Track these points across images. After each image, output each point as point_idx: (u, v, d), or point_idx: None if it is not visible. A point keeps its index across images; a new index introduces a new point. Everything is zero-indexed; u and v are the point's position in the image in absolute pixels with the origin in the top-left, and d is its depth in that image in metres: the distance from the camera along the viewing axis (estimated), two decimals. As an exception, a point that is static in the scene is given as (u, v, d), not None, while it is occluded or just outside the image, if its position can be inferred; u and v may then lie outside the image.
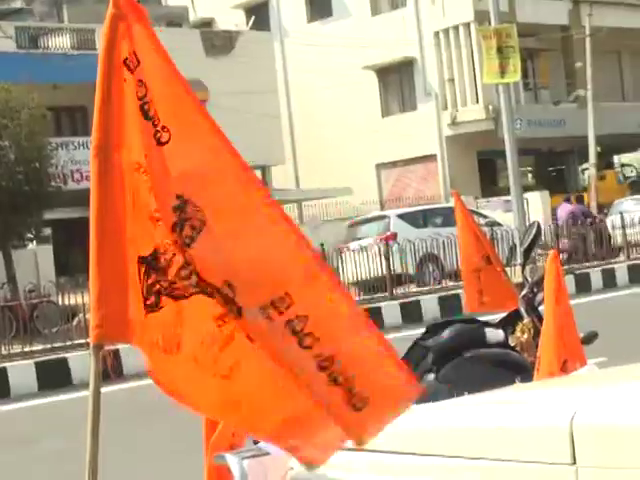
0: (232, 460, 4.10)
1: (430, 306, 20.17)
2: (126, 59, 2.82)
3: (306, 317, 2.75)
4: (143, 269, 2.74)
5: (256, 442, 5.15)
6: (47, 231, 30.21)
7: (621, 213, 28.15)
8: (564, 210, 28.83)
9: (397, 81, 43.84)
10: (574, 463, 2.83)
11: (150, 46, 2.82)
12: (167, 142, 2.77)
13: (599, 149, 39.36)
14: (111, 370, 12.27)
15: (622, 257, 26.35)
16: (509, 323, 7.11)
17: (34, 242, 29.98)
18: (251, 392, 2.78)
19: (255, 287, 2.76)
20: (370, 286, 22.61)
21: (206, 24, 45.65)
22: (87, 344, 16.13)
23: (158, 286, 2.75)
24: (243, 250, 2.79)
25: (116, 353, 15.38)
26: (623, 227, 27.19)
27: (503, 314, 7.40)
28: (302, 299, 2.77)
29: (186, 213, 2.73)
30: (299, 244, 2.80)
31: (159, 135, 2.78)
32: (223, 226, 2.79)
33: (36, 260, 29.83)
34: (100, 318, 2.55)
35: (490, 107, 39.32)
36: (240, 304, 2.73)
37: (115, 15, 2.80)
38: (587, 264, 24.75)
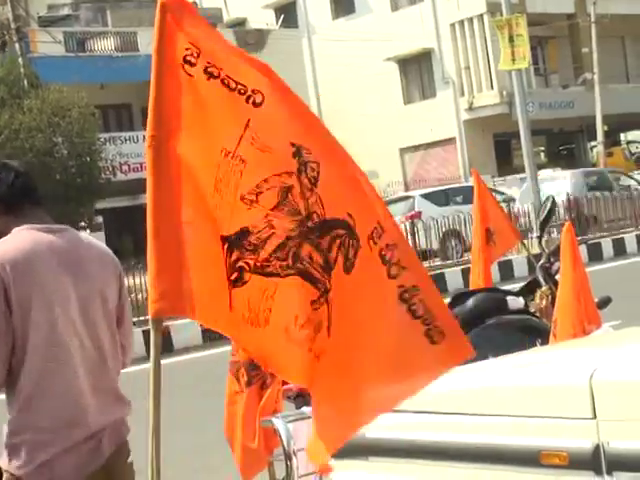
0: (279, 423, 4.15)
1: (453, 278, 20.12)
2: (185, 56, 2.71)
3: (395, 245, 2.70)
4: (226, 247, 2.68)
5: (299, 407, 5.19)
6: (99, 219, 30.35)
7: (629, 187, 27.99)
8: None
9: (417, 71, 43.72)
10: (594, 417, 2.83)
11: (204, 30, 2.77)
12: (262, 102, 2.69)
13: (606, 128, 39.09)
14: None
15: (631, 227, 26.18)
16: (528, 291, 7.08)
17: (87, 230, 30.09)
18: (336, 379, 2.71)
19: (364, 217, 2.73)
20: (398, 261, 22.62)
21: (239, 24, 45.63)
22: (140, 321, 16.23)
23: (242, 263, 2.69)
24: (349, 185, 2.79)
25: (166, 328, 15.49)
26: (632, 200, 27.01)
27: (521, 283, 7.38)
28: (389, 228, 2.72)
29: (303, 157, 2.72)
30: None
31: (252, 98, 2.69)
32: (330, 162, 2.80)
33: (90, 246, 29.86)
34: (159, 293, 2.51)
35: (504, 92, 39.10)
36: (358, 235, 2.69)
37: (163, 10, 2.72)
38: (599, 234, 24.57)
